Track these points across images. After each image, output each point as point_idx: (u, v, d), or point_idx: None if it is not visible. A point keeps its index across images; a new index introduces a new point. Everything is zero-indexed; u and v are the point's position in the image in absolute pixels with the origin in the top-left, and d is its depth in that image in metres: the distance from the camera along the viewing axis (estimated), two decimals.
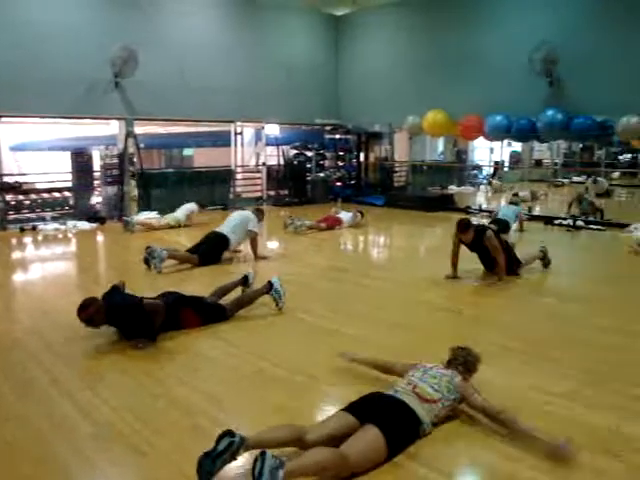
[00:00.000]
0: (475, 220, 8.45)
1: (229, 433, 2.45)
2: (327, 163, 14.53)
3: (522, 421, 2.85)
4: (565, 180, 16.53)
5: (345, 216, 9.88)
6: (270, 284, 4.95)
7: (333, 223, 9.71)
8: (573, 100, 10.33)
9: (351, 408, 2.80)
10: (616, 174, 15.82)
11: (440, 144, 17.96)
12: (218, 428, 2.56)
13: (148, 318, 4.16)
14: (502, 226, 8.37)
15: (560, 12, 10.48)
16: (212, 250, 6.95)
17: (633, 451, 2.79)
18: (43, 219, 10.31)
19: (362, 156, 14.73)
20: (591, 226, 10.14)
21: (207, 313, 4.62)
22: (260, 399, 3.36)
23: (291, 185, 13.71)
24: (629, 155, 17.43)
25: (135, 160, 11.02)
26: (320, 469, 2.44)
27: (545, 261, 6.74)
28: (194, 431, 2.98)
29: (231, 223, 7.17)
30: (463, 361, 3.21)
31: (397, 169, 15.57)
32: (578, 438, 2.84)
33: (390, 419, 2.74)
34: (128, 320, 4.19)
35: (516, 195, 12.18)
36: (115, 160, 11.09)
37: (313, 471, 2.44)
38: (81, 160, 11.04)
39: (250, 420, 3.11)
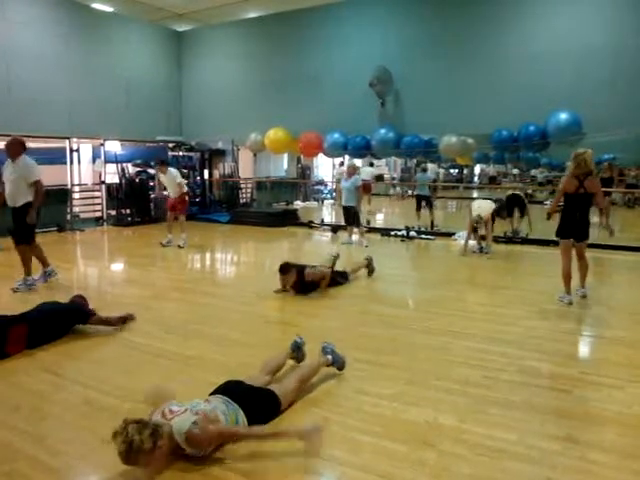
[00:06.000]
0: (317, 235, 8.72)
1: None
2: None
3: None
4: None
5: None
6: None
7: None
8: (403, 120, 11.17)
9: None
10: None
11: (285, 161, 18.38)
12: (39, 472, 2.37)
13: None
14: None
15: (393, 41, 11.34)
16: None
17: (446, 439, 3.06)
18: None
19: (207, 173, 14.63)
20: (422, 236, 10.94)
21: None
22: (87, 432, 3.17)
23: (133, 204, 13.19)
24: (455, 170, 19.19)
25: None
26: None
27: (370, 269, 7.27)
28: (10, 478, 2.71)
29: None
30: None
31: (242, 186, 15.67)
32: (401, 435, 3.08)
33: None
34: None
35: None
36: None
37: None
38: None
39: (76, 456, 2.93)
